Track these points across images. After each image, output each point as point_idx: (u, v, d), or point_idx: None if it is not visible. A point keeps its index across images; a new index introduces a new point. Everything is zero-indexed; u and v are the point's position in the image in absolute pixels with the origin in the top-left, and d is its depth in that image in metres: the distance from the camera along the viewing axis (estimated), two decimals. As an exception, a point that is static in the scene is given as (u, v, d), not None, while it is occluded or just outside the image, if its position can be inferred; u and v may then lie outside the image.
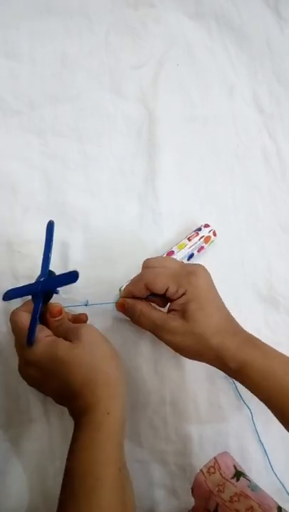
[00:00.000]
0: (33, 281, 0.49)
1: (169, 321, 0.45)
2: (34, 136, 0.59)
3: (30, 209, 0.56)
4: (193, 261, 0.57)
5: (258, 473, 0.54)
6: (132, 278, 0.50)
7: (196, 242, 0.57)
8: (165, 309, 0.49)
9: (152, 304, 0.49)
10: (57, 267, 0.55)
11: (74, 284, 0.51)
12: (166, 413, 0.54)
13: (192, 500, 0.49)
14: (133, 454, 0.52)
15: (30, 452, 0.50)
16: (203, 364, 0.47)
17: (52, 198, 0.57)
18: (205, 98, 0.68)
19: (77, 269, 0.43)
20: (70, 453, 0.39)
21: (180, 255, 0.56)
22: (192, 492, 0.48)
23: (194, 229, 0.59)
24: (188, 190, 0.63)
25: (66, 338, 0.44)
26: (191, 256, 0.57)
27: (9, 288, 0.51)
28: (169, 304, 0.48)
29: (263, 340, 0.45)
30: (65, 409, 0.44)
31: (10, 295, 0.50)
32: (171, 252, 0.56)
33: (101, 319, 0.53)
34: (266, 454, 0.55)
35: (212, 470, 0.48)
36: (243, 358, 0.43)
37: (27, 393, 0.50)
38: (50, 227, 0.49)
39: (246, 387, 0.44)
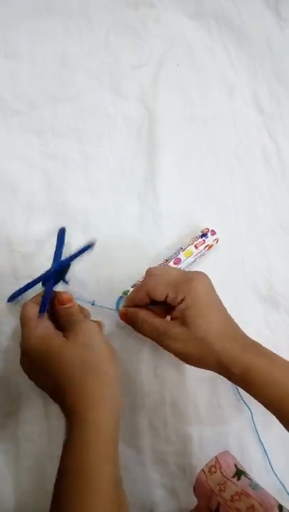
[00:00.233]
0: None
1: (170, 328, 0.45)
2: (34, 136, 0.59)
3: (30, 209, 0.56)
4: (193, 263, 0.57)
5: (258, 474, 0.54)
6: (135, 282, 0.51)
7: (201, 250, 0.57)
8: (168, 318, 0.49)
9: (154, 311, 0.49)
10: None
11: (74, 285, 0.52)
12: (166, 414, 0.54)
13: (192, 500, 0.49)
14: (133, 454, 0.52)
15: (30, 452, 0.50)
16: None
17: (52, 198, 0.57)
18: (205, 98, 0.68)
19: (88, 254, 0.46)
20: (64, 452, 0.39)
21: (186, 262, 0.56)
22: (194, 491, 0.48)
23: (200, 233, 0.59)
24: (188, 190, 0.63)
25: (64, 328, 0.44)
26: (193, 261, 0.57)
27: (9, 288, 0.51)
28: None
29: (263, 340, 0.45)
30: (65, 409, 0.44)
31: (15, 294, 0.50)
32: (178, 260, 0.56)
33: (102, 320, 0.53)
34: (266, 454, 0.55)
35: (213, 469, 0.48)
36: (246, 363, 0.43)
37: (28, 393, 0.50)
38: (62, 233, 0.50)
39: (249, 393, 0.44)
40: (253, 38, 0.73)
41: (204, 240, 0.58)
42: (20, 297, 0.51)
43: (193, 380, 0.55)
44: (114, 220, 0.58)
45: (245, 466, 0.51)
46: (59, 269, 0.47)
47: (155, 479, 0.52)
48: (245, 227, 0.64)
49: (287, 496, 0.54)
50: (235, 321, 0.47)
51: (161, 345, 0.46)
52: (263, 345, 0.45)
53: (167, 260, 0.56)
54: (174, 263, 0.56)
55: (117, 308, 0.53)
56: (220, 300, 0.47)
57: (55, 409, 0.49)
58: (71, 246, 0.56)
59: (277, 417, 0.43)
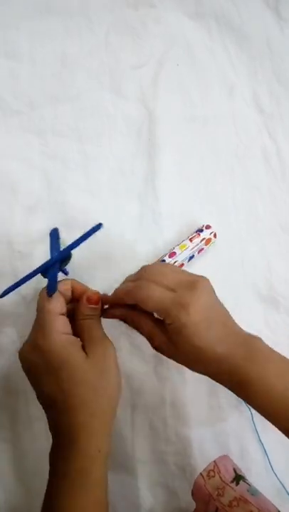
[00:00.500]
0: (32, 283, 0.49)
1: (157, 334, 0.42)
2: (34, 136, 0.59)
3: (30, 209, 0.56)
4: (193, 262, 0.57)
5: (257, 474, 0.54)
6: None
7: (197, 244, 0.57)
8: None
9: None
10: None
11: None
12: (166, 414, 0.54)
13: (192, 500, 0.49)
14: (133, 454, 0.52)
15: (30, 452, 0.50)
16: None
17: (52, 198, 0.57)
18: (205, 98, 0.68)
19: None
20: (54, 486, 0.38)
21: (181, 257, 0.56)
22: (192, 495, 0.48)
23: (195, 229, 0.59)
24: (188, 190, 0.63)
25: (82, 337, 0.42)
26: (191, 257, 0.57)
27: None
28: None
29: (264, 339, 0.45)
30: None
31: (9, 289, 0.46)
32: (173, 254, 0.56)
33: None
34: (266, 455, 0.55)
35: (212, 473, 0.47)
36: (247, 375, 0.40)
37: (26, 393, 0.50)
38: (55, 232, 0.48)
39: (246, 401, 0.42)
40: (253, 38, 0.73)
41: (199, 234, 0.58)
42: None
43: (193, 380, 0.55)
44: (114, 220, 0.58)
45: (245, 467, 0.51)
46: (63, 257, 0.44)
47: (155, 479, 0.52)
48: (245, 227, 0.64)
49: (288, 496, 0.54)
50: (236, 320, 0.46)
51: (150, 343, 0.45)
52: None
53: (163, 256, 0.56)
54: (169, 256, 0.56)
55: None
56: (220, 308, 0.43)
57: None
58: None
59: (279, 428, 0.41)
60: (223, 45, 0.71)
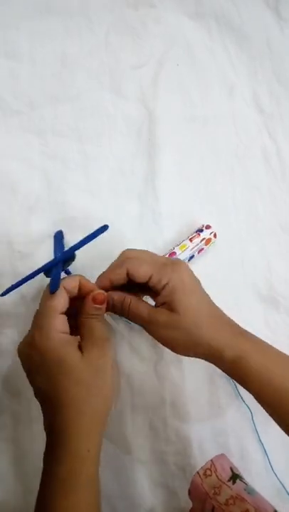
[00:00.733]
0: (32, 283, 0.49)
1: (157, 316, 0.43)
2: (34, 136, 0.59)
3: (30, 209, 0.56)
4: (193, 262, 0.57)
5: (257, 474, 0.54)
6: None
7: (197, 244, 0.57)
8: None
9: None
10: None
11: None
12: (166, 414, 0.54)
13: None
14: (133, 454, 0.52)
15: (30, 452, 0.50)
16: (203, 364, 0.46)
17: (52, 198, 0.57)
18: (205, 98, 0.68)
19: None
20: (45, 487, 0.39)
21: (182, 257, 0.56)
22: (189, 494, 0.48)
23: (195, 229, 0.59)
24: (188, 190, 0.63)
25: (82, 335, 0.42)
26: (191, 257, 0.57)
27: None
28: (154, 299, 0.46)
29: (263, 339, 0.45)
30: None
31: (11, 288, 0.45)
32: (173, 253, 0.56)
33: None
34: (266, 454, 0.55)
35: (208, 472, 0.47)
36: (239, 349, 0.41)
37: (27, 393, 0.50)
38: (59, 235, 0.48)
39: (239, 381, 0.43)
40: (253, 38, 0.73)
41: (199, 234, 0.58)
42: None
43: (193, 380, 0.55)
44: (114, 220, 0.58)
45: (245, 466, 0.51)
46: (66, 258, 0.43)
47: (155, 479, 0.52)
48: (245, 227, 0.64)
49: (287, 495, 0.54)
50: (235, 321, 0.47)
51: (149, 332, 0.45)
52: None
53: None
54: (169, 256, 0.56)
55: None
56: (204, 290, 0.46)
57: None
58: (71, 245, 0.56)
59: (267, 409, 0.42)
60: (223, 45, 0.71)
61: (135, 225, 0.59)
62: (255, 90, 0.71)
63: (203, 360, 0.44)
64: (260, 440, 0.55)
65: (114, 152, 0.61)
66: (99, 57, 0.64)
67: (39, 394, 0.41)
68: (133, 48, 0.66)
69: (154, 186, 0.61)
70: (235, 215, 0.64)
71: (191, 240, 0.57)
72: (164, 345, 0.45)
